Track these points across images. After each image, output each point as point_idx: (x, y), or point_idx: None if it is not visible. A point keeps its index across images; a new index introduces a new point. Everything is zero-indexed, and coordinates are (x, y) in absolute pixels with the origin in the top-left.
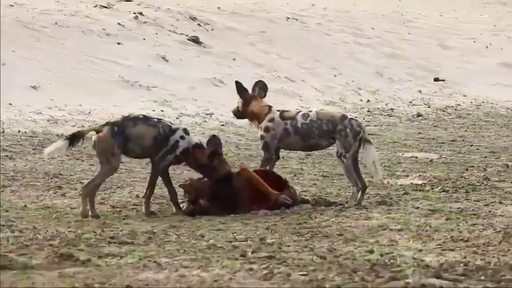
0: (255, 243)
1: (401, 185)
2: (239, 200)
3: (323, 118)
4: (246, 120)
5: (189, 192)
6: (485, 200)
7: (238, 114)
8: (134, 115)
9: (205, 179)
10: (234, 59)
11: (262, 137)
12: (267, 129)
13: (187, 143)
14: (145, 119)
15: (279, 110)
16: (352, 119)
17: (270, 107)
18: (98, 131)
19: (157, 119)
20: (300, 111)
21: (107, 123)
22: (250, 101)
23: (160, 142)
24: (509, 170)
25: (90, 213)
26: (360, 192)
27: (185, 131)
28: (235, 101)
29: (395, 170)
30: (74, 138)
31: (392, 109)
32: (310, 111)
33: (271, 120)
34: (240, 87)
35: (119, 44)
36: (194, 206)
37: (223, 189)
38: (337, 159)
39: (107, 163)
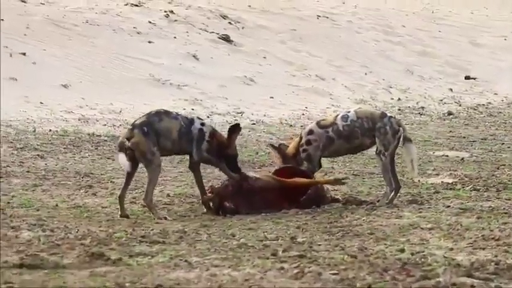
0: (286, 242)
1: (432, 183)
2: (266, 199)
3: (363, 116)
4: (276, 118)
5: (212, 200)
6: None
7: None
8: (156, 110)
9: (225, 182)
10: (264, 57)
11: (304, 150)
12: (308, 142)
13: (209, 127)
14: (167, 113)
15: (313, 122)
16: (392, 117)
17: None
18: (129, 138)
19: (175, 112)
20: (338, 114)
21: (134, 126)
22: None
23: (185, 134)
24: None
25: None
26: (393, 192)
27: (199, 118)
28: (265, 99)
29: (426, 169)
30: (122, 150)
31: (423, 107)
32: (349, 111)
33: (311, 132)
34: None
35: (149, 42)
36: (221, 210)
37: (246, 189)
38: (376, 157)
39: (151, 164)
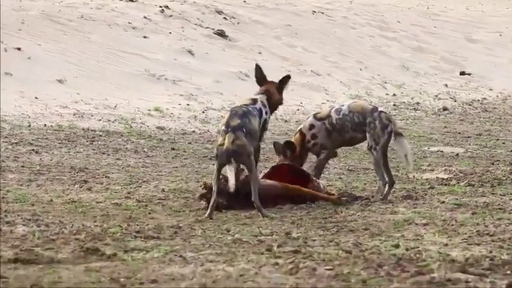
0: (281, 237)
1: (427, 179)
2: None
3: (354, 111)
4: (272, 115)
5: (205, 196)
6: (511, 194)
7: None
8: (238, 107)
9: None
10: (259, 53)
11: (314, 145)
12: (314, 137)
13: (261, 97)
14: (246, 106)
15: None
16: (382, 111)
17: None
18: (234, 140)
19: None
20: (333, 107)
21: (232, 129)
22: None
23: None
24: None
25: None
26: (386, 187)
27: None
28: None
29: (421, 164)
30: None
31: (418, 103)
32: (343, 105)
33: (312, 127)
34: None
35: (145, 37)
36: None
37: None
38: (368, 152)
39: (253, 163)
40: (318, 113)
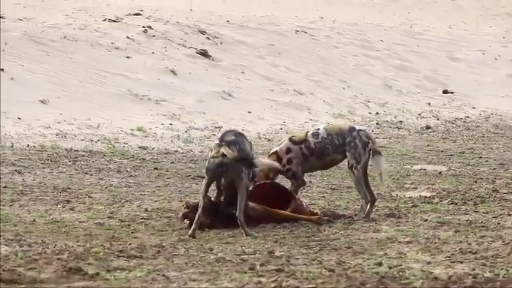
0: (264, 256)
1: (410, 197)
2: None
3: (333, 133)
4: (254, 133)
5: (187, 216)
6: (494, 212)
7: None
8: (232, 129)
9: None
10: (242, 72)
11: (288, 170)
12: (289, 161)
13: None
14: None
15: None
16: (361, 130)
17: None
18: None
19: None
20: (308, 131)
21: (226, 143)
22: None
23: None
24: None
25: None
26: (368, 205)
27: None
28: (244, 114)
29: (404, 183)
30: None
31: (401, 121)
32: (318, 129)
33: (289, 151)
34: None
35: (128, 57)
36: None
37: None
38: (348, 171)
39: (243, 179)
40: (293, 136)
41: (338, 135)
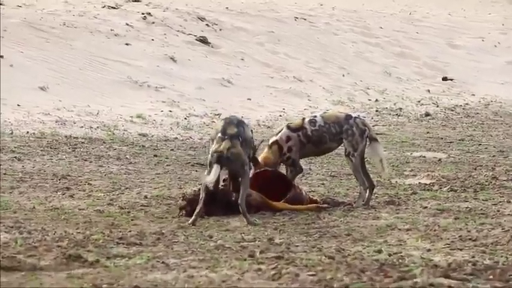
0: (264, 243)
1: (409, 184)
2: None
3: (329, 122)
4: (253, 120)
5: (184, 208)
6: (493, 199)
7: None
8: (232, 118)
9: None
10: (242, 59)
11: (288, 158)
12: (290, 149)
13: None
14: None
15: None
16: (357, 117)
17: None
18: (229, 148)
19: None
20: (304, 118)
21: (229, 137)
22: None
23: None
24: None
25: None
26: (367, 192)
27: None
28: (243, 101)
29: (404, 170)
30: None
31: (400, 108)
32: (315, 116)
33: (289, 139)
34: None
35: (127, 44)
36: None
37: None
38: (346, 159)
39: (246, 172)
40: (290, 124)
41: (335, 123)
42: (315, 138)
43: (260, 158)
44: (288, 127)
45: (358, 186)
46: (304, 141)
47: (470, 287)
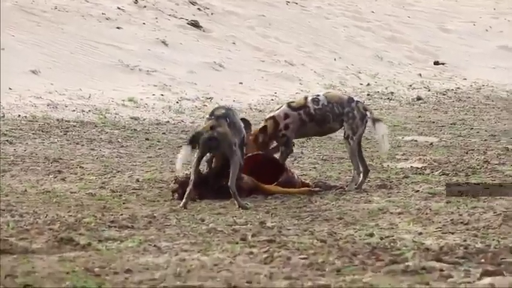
0: (255, 226)
1: (401, 168)
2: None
3: (333, 101)
4: (245, 104)
5: (176, 191)
6: (485, 183)
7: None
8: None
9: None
10: (233, 43)
11: (283, 136)
12: (286, 127)
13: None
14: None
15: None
16: (358, 101)
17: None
18: (214, 127)
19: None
20: (307, 97)
21: (216, 117)
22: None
23: None
24: (509, 153)
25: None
26: (361, 176)
27: None
28: (235, 85)
29: (396, 154)
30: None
31: (392, 92)
32: (318, 95)
33: (287, 116)
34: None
35: (118, 28)
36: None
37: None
38: (344, 141)
39: (234, 152)
40: (292, 102)
41: (338, 104)
42: (318, 117)
43: (252, 132)
44: (289, 105)
45: (350, 170)
46: (306, 119)
47: (462, 271)
